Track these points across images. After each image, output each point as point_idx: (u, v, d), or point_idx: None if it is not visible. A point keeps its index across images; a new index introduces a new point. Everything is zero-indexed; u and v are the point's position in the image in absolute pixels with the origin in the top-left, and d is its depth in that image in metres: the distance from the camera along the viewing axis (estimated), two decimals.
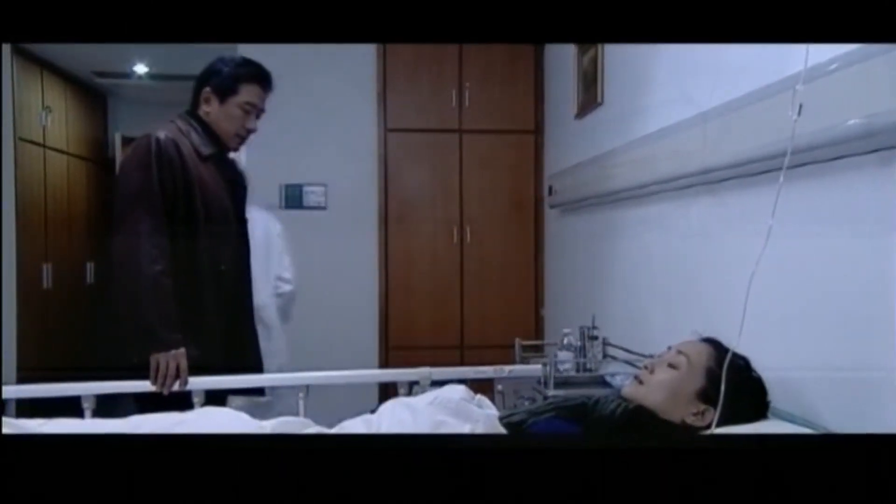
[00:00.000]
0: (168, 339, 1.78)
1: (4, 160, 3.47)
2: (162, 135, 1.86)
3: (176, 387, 1.79)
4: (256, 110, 2.01)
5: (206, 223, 1.89)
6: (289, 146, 3.51)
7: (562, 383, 1.92)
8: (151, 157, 1.82)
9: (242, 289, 2.04)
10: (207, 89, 1.97)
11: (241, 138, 2.02)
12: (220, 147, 2.00)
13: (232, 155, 2.10)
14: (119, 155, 5.02)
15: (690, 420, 1.33)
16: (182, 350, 1.80)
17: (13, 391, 1.91)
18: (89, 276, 4.61)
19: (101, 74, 4.79)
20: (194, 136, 1.94)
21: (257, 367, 2.06)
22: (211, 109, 1.97)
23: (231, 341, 1.95)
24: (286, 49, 3.49)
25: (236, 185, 2.07)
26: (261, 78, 2.01)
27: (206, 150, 1.95)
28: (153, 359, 1.77)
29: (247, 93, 1.98)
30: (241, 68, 1.98)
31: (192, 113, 1.99)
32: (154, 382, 1.78)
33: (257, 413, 1.55)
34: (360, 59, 3.61)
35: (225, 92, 1.96)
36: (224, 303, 1.94)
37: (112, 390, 1.79)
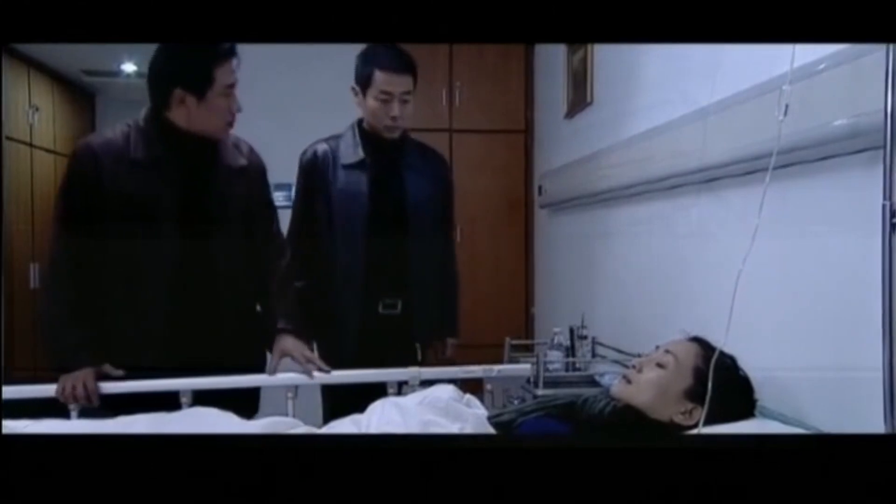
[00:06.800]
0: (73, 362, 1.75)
1: None
2: (81, 145, 1.80)
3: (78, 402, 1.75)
4: (234, 86, 1.78)
5: (135, 227, 1.75)
6: (279, 145, 3.49)
7: (551, 382, 1.93)
8: (65, 178, 1.81)
9: (208, 289, 1.84)
10: (179, 90, 1.72)
11: (230, 124, 1.83)
12: (176, 149, 1.77)
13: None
14: None
15: (678, 419, 1.34)
16: (87, 370, 1.74)
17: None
18: None
19: (90, 73, 4.77)
20: (137, 144, 1.75)
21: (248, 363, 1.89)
22: (189, 110, 1.73)
23: (199, 342, 1.80)
24: (277, 49, 3.49)
25: (200, 189, 1.83)
26: (230, 53, 1.75)
27: (145, 153, 1.75)
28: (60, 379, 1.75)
29: (223, 75, 1.74)
30: (209, 53, 1.72)
31: (155, 117, 1.78)
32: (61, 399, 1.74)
33: None
34: (351, 58, 3.59)
35: (202, 86, 1.72)
36: (185, 305, 1.81)
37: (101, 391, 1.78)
